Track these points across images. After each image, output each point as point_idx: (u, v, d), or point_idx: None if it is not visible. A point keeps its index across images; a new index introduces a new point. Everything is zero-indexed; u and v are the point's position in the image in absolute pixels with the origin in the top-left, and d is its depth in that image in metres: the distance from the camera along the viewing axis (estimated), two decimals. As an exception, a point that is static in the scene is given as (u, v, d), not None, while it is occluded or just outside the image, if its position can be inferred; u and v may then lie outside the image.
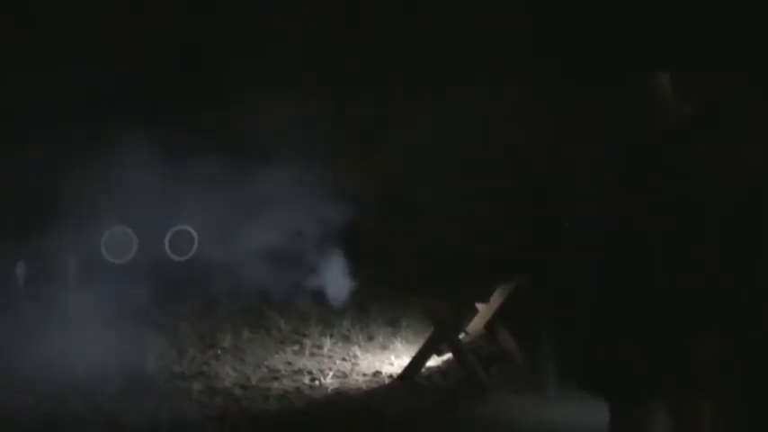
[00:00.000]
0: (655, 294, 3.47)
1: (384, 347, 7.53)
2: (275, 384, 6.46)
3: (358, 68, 9.42)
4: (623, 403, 3.61)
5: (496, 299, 6.57)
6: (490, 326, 6.85)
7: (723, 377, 3.51)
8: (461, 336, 6.63)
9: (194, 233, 9.84)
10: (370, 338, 7.81)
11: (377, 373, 6.75)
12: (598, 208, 3.68)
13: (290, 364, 7.02)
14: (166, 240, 9.72)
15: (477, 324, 6.77)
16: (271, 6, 9.46)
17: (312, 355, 7.32)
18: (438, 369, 6.78)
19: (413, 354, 6.70)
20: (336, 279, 8.26)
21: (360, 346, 7.53)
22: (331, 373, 6.70)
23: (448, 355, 6.72)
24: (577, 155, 3.96)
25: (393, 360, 7.11)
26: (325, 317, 8.42)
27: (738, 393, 3.79)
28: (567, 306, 5.94)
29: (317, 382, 6.51)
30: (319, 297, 8.43)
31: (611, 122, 3.77)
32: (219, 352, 7.31)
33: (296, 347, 7.54)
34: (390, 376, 6.67)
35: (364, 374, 6.75)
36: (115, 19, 9.60)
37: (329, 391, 6.35)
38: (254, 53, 9.64)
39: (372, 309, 8.59)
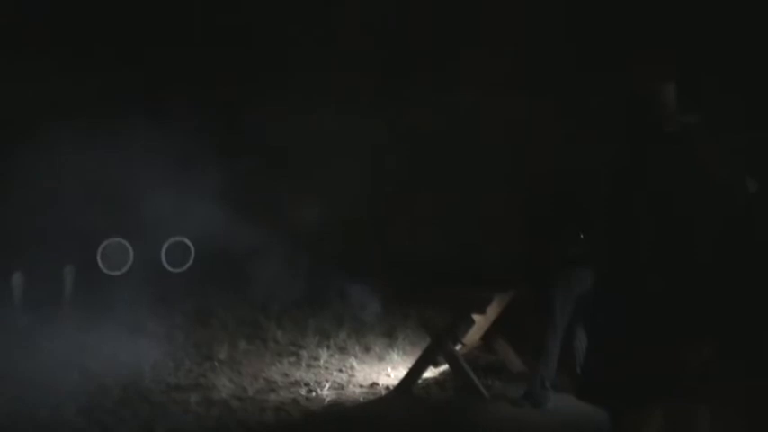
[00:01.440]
0: (650, 298, 3.48)
1: (381, 359, 7.52)
2: (272, 396, 6.44)
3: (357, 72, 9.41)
4: (621, 407, 3.61)
5: (493, 309, 6.57)
6: (487, 336, 6.85)
7: (719, 379, 3.52)
8: (458, 347, 6.62)
9: (190, 244, 9.85)
10: (367, 350, 7.81)
11: (374, 385, 6.74)
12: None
13: (286, 375, 7.01)
14: (163, 251, 9.72)
15: (474, 335, 6.76)
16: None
17: (309, 366, 7.30)
18: (435, 380, 6.77)
19: (410, 365, 6.69)
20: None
21: (356, 358, 7.52)
22: (328, 385, 6.68)
23: (445, 367, 6.71)
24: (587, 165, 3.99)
25: (390, 371, 7.10)
26: (322, 328, 8.42)
27: (735, 394, 3.79)
28: (564, 313, 5.96)
29: (313, 394, 6.49)
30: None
31: (614, 128, 3.80)
32: (216, 363, 7.29)
33: (292, 359, 7.53)
34: (387, 388, 6.65)
35: (361, 386, 6.74)
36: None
37: (326, 402, 6.33)
38: (267, 57, 9.63)
39: (369, 319, 8.59)
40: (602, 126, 4.02)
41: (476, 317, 6.65)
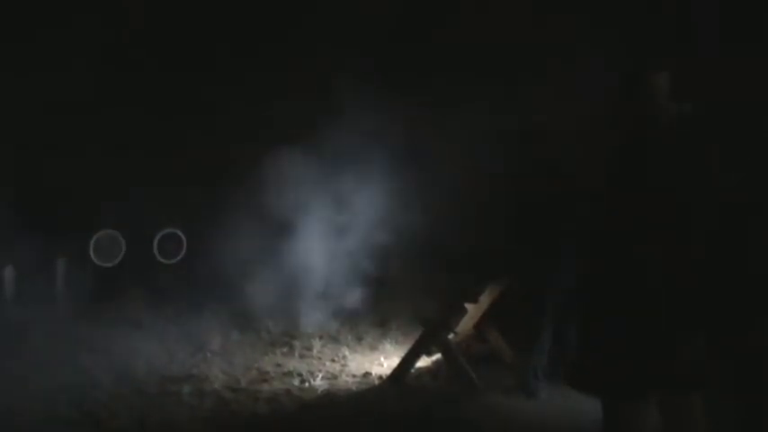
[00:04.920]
0: (643, 294, 3.49)
1: (373, 348, 7.54)
2: (265, 386, 6.45)
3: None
4: (614, 400, 3.63)
5: (486, 299, 6.58)
6: (479, 326, 6.87)
7: (712, 373, 3.53)
8: (451, 336, 6.63)
9: (183, 236, 9.83)
10: (360, 339, 7.83)
11: (366, 375, 6.76)
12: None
13: (279, 365, 7.03)
14: (155, 243, 9.70)
15: (466, 324, 6.77)
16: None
17: (301, 356, 7.32)
18: (427, 369, 6.79)
19: (402, 354, 6.71)
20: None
21: (349, 348, 7.54)
22: (320, 375, 6.70)
23: (437, 356, 6.73)
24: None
25: (382, 361, 7.12)
26: (315, 318, 8.41)
27: (730, 387, 3.81)
28: (556, 304, 5.97)
29: (306, 384, 6.50)
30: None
31: (608, 120, 3.80)
32: (209, 354, 7.30)
33: (285, 349, 7.55)
34: (380, 377, 6.67)
35: (354, 376, 6.75)
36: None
37: (319, 392, 6.34)
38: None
39: (362, 310, 8.59)
40: (599, 119, 4.02)
41: (468, 306, 6.66)
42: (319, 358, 7.27)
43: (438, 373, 6.69)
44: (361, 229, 7.99)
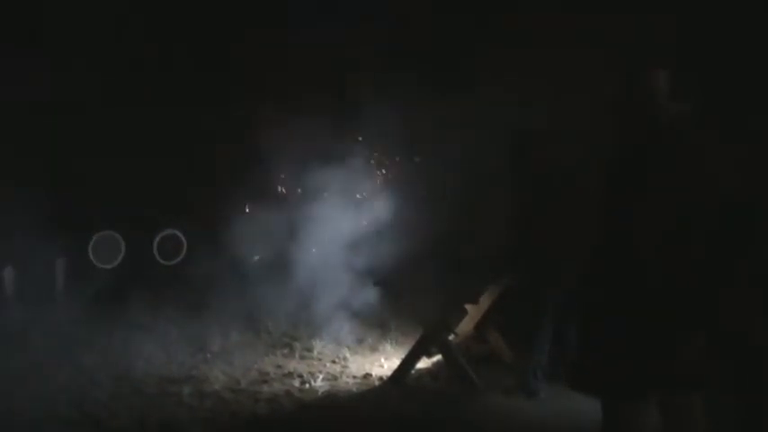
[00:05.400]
0: (643, 294, 3.49)
1: (374, 350, 7.53)
2: (265, 387, 6.44)
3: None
4: (614, 400, 3.62)
5: (486, 299, 6.57)
6: (480, 327, 6.86)
7: (712, 373, 3.53)
8: (451, 337, 6.63)
9: (183, 237, 9.84)
10: (360, 341, 7.81)
11: (367, 376, 6.75)
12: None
13: (279, 367, 7.02)
14: (155, 244, 9.71)
15: (466, 325, 6.77)
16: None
17: (302, 357, 7.31)
18: (428, 371, 6.78)
19: (402, 356, 6.71)
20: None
21: (349, 349, 7.53)
22: (321, 376, 6.69)
23: (438, 357, 6.72)
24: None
25: (383, 362, 7.11)
26: (314, 319, 8.40)
27: (730, 387, 3.81)
28: (556, 304, 5.96)
29: (306, 386, 6.49)
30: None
31: (609, 120, 3.80)
32: (209, 355, 7.29)
33: (285, 350, 7.54)
34: (380, 378, 6.67)
35: (354, 377, 6.75)
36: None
37: (319, 393, 6.33)
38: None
39: (362, 310, 8.58)
40: (600, 119, 4.02)
41: (468, 307, 6.66)
42: (320, 359, 7.26)
43: (438, 374, 6.69)
44: (362, 229, 7.98)
